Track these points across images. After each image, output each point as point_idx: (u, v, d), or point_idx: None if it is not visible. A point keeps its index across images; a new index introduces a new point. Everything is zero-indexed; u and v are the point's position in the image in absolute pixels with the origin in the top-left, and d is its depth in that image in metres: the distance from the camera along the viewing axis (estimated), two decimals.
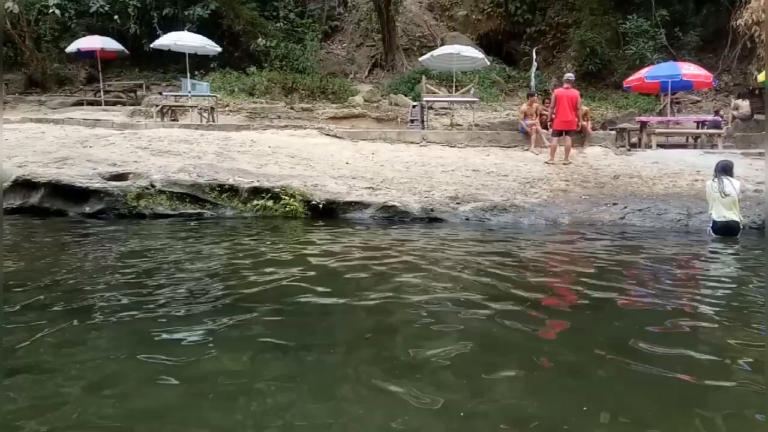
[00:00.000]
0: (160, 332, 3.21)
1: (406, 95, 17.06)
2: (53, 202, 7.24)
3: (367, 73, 20.54)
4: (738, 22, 15.16)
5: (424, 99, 13.51)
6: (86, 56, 17.57)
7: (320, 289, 4.11)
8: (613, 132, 12.09)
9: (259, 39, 18.67)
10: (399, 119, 14.81)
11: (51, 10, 17.09)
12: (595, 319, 3.56)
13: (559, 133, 9.84)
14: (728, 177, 6.73)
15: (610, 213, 7.50)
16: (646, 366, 2.75)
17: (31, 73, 19.00)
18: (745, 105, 13.59)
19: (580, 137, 11.08)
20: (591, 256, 5.41)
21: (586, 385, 2.63)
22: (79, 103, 16.82)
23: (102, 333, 3.23)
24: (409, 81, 18.36)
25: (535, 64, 15.01)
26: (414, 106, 14.22)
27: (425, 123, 13.44)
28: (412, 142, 11.68)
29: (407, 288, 4.17)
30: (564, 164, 9.62)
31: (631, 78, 13.40)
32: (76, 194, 7.31)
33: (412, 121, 13.88)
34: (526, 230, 7.02)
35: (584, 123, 11.31)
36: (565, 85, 10.14)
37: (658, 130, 11.69)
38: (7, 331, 3.19)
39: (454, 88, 14.72)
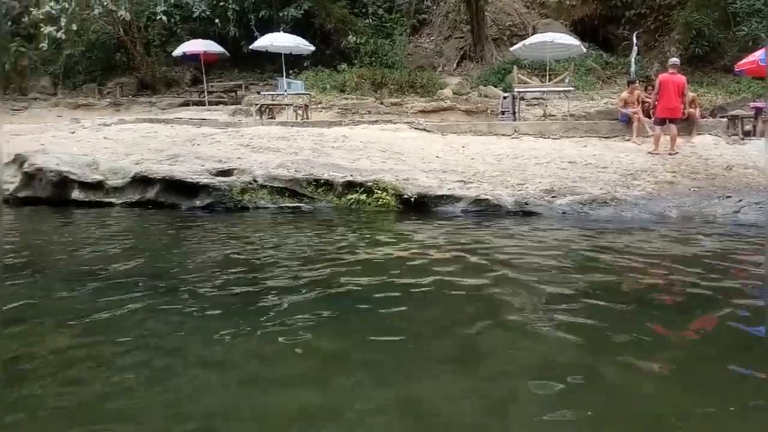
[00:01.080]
0: (267, 316, 3.42)
1: (495, 86, 16.74)
2: (167, 197, 7.83)
3: (455, 65, 20.35)
4: None
5: (516, 90, 13.21)
6: (191, 59, 18.74)
7: (413, 280, 4.20)
8: (725, 119, 11.21)
9: (350, 36, 19.02)
10: (489, 111, 14.58)
11: (159, 17, 18.35)
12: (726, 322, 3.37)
13: (662, 122, 9.30)
14: None
15: (723, 207, 7.00)
16: None
17: (142, 77, 20.55)
18: None
19: (687, 125, 10.38)
20: (710, 253, 5.09)
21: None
22: (186, 104, 17.99)
23: (213, 314, 3.49)
24: (498, 72, 18.00)
25: (635, 49, 14.21)
26: (505, 98, 13.95)
27: (517, 114, 13.14)
28: (503, 135, 11.48)
29: (505, 282, 4.15)
30: (669, 154, 9.07)
31: (743, 61, 12.36)
32: (187, 189, 7.85)
33: (503, 112, 13.62)
34: (629, 224, 6.71)
35: (692, 110, 10.58)
36: (671, 70, 9.55)
37: None
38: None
39: (547, 78, 14.27)
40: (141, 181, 7.98)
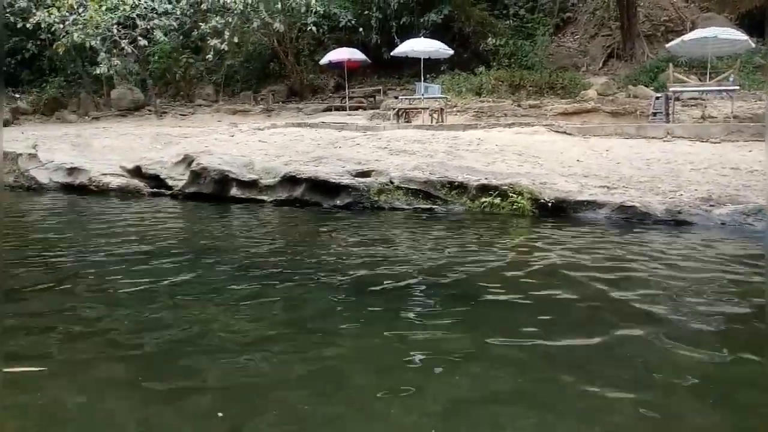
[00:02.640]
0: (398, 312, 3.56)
1: (646, 86, 15.61)
2: (312, 195, 8.37)
3: (601, 64, 19.32)
4: None
5: (671, 89, 12.22)
6: (335, 67, 19.80)
7: (544, 285, 4.11)
8: None
9: (489, 39, 18.87)
10: (638, 113, 13.63)
11: (309, 28, 19.63)
12: None
13: None
14: None
15: None
16: None
17: (291, 84, 22.13)
18: None
19: None
20: None
21: None
22: (328, 109, 19.05)
23: (344, 306, 3.70)
24: (650, 70, 16.78)
25: None
26: (657, 98, 12.94)
27: (670, 116, 12.15)
28: (653, 137, 10.68)
29: (650, 295, 3.89)
30: None
31: None
32: (329, 189, 8.33)
33: (654, 114, 12.66)
34: None
35: None
36: None
37: None
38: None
39: (708, 76, 13.02)
40: (289, 180, 8.62)
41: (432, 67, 18.40)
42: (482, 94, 16.89)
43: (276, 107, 19.82)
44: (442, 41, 16.53)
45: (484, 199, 8.05)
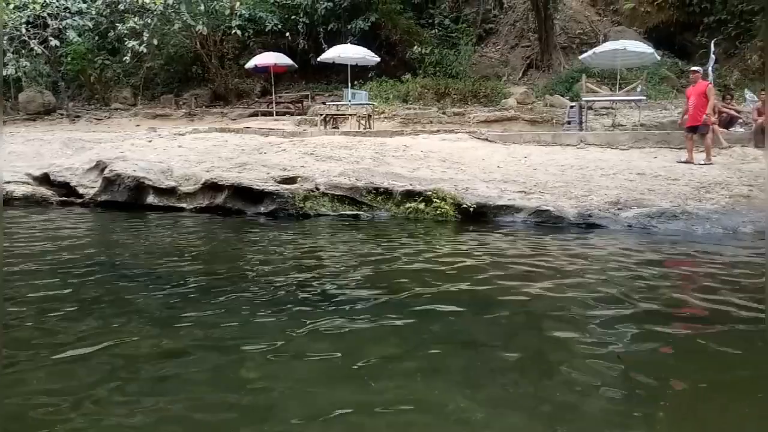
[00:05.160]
0: (319, 320, 3.52)
1: (562, 96, 16.40)
2: (234, 203, 8.17)
3: (521, 74, 20.10)
4: None
5: (584, 99, 12.89)
6: (261, 71, 19.47)
7: (466, 289, 4.18)
8: None
9: (415, 47, 19.20)
10: (554, 121, 14.28)
11: (234, 31, 19.20)
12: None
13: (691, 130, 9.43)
14: None
15: None
16: None
17: (215, 88, 21.53)
18: None
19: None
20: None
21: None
22: (254, 114, 18.69)
23: (267, 314, 3.62)
24: (566, 81, 17.63)
25: (712, 57, 13.52)
26: (571, 107, 13.62)
27: (584, 124, 12.81)
28: (568, 145, 11.21)
29: (562, 294, 4.06)
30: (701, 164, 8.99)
31: None
32: (253, 196, 8.17)
33: (568, 122, 13.30)
34: (699, 239, 6.39)
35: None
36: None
37: None
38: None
39: (617, 86, 13.83)
40: (211, 187, 8.37)
41: (360, 73, 18.49)
42: (409, 102, 17.16)
43: (199, 112, 19.24)
44: (369, 48, 16.65)
45: (409, 205, 8.16)
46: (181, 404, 2.52)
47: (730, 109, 11.80)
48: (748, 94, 13.86)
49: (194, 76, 22.20)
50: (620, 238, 6.46)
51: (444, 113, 15.67)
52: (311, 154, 10.21)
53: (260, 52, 19.57)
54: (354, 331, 3.34)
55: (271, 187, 8.10)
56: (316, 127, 14.40)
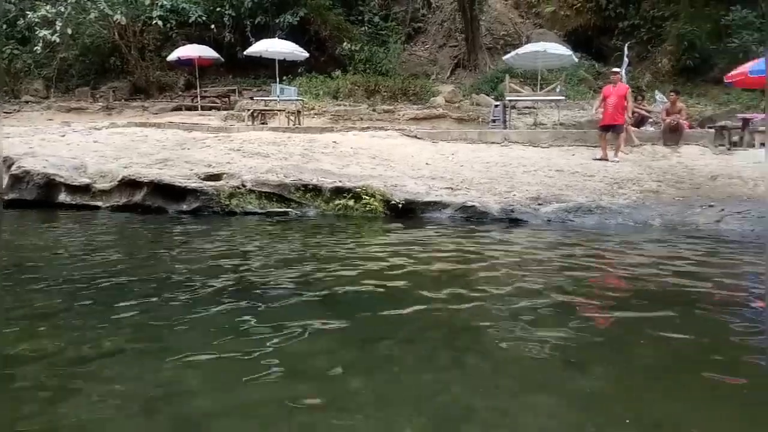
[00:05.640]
0: (245, 320, 3.44)
1: (488, 95, 16.85)
2: (155, 200, 7.84)
3: (449, 73, 20.47)
4: None
5: (507, 98, 13.31)
6: (185, 64, 18.78)
7: (394, 285, 4.21)
8: (712, 130, 11.32)
9: (344, 43, 19.13)
10: (480, 119, 14.67)
11: (155, 21, 18.40)
12: (686, 325, 3.40)
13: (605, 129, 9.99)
14: None
15: (706, 216, 7.05)
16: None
17: (135, 81, 20.55)
18: None
19: (674, 136, 10.50)
20: (682, 261, 5.13)
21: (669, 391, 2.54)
22: (178, 109, 18.01)
23: (192, 317, 3.50)
24: (492, 80, 18.13)
25: (626, 60, 14.33)
26: (496, 106, 14.04)
27: (507, 123, 13.23)
28: (493, 142, 11.55)
29: (483, 288, 4.17)
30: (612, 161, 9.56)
31: (733, 73, 12.47)
32: (176, 193, 7.87)
33: (493, 120, 13.71)
34: (612, 232, 6.76)
35: (681, 120, 10.73)
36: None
37: (762, 128, 10.80)
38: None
39: (539, 87, 14.37)
40: (129, 184, 7.99)
41: (289, 68, 18.22)
42: (339, 98, 17.09)
43: (118, 105, 18.30)
44: (298, 43, 16.42)
45: (338, 202, 8.14)
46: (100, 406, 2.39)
47: (641, 109, 12.54)
48: (658, 95, 14.80)
49: (112, 68, 21.09)
50: (539, 232, 6.72)
51: (374, 110, 15.73)
52: (238, 150, 9.97)
53: (184, 44, 18.88)
54: (277, 329, 3.28)
55: (194, 184, 7.84)
56: (244, 122, 14.06)
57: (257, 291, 4.07)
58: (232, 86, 19.98)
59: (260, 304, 3.77)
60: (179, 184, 7.82)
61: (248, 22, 19.74)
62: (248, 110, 14.54)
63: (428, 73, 20.30)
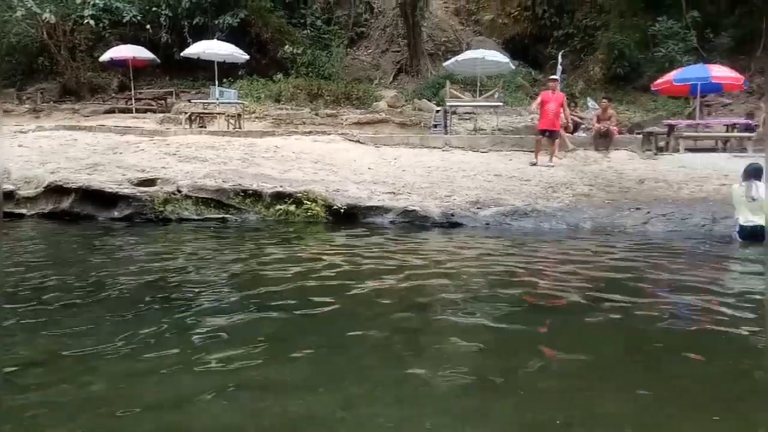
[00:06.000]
0: (178, 328, 3.32)
1: (430, 100, 17.08)
2: (83, 207, 7.49)
3: (392, 78, 20.63)
4: None
5: (448, 104, 13.52)
6: (119, 65, 18.10)
7: (336, 291, 4.17)
8: (640, 136, 11.89)
9: (286, 46, 18.95)
10: (422, 124, 14.84)
11: (86, 21, 17.65)
12: (607, 323, 3.54)
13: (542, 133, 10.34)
14: (757, 181, 6.58)
15: (633, 218, 7.40)
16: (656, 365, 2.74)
17: (65, 82, 19.63)
18: None
19: (605, 141, 10.97)
20: (607, 262, 5.35)
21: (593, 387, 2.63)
22: (111, 111, 17.31)
23: (120, 328, 3.35)
24: (433, 86, 18.39)
25: (560, 68, 14.86)
26: (437, 111, 14.25)
27: (448, 128, 13.43)
28: (434, 147, 11.69)
29: (423, 291, 4.21)
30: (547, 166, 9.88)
31: (659, 81, 13.16)
32: (106, 199, 7.55)
33: (435, 125, 13.90)
34: (546, 235, 6.97)
35: (611, 127, 11.21)
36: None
37: (686, 134, 11.45)
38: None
39: (478, 93, 14.68)
40: (56, 191, 7.61)
41: (229, 71, 17.86)
42: (281, 102, 16.90)
43: (46, 108, 17.40)
44: (239, 45, 16.10)
45: (279, 207, 8.03)
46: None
47: (574, 115, 13.02)
48: (590, 102, 15.43)
49: (41, 69, 20.06)
50: (478, 236, 6.86)
51: (317, 114, 15.65)
52: (174, 154, 9.68)
53: (117, 45, 18.18)
54: (216, 338, 3.20)
55: (126, 189, 7.54)
56: (181, 125, 13.66)
57: (186, 300, 3.94)
58: (169, 88, 19.40)
59: (188, 312, 3.66)
60: (110, 190, 7.51)
61: (186, 23, 19.25)
62: (186, 113, 14.14)
63: (371, 78, 20.39)
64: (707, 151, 11.49)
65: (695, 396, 2.55)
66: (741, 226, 6.54)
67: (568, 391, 2.60)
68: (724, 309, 3.80)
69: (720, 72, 12.09)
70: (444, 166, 9.95)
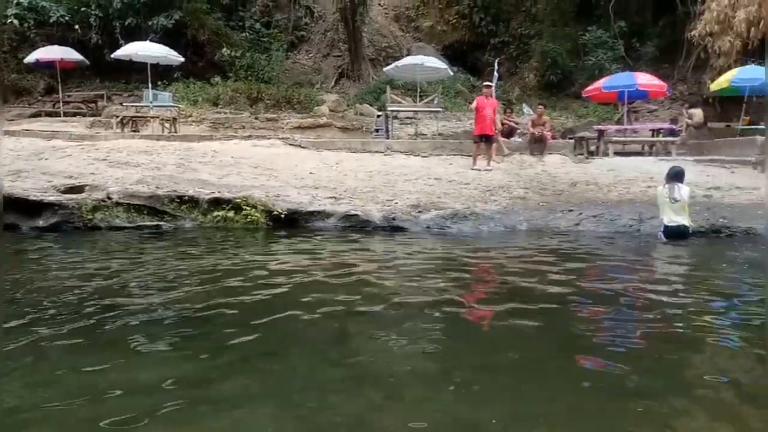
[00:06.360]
0: (116, 341, 3.17)
1: (371, 105, 17.16)
2: (5, 216, 7.04)
3: (333, 83, 20.60)
4: (692, 34, 15.70)
5: (389, 109, 13.62)
6: (45, 67, 17.20)
7: (276, 299, 4.10)
8: (573, 140, 12.37)
9: (224, 49, 18.57)
10: (364, 129, 14.89)
11: (9, 20, 16.70)
12: (545, 322, 3.64)
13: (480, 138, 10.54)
14: (678, 183, 6.96)
15: (566, 219, 7.67)
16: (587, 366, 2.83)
17: None
18: (698, 113, 14.06)
19: (539, 146, 11.34)
20: (538, 263, 5.51)
21: (532, 387, 2.69)
22: (37, 115, 16.43)
23: (56, 344, 3.17)
24: (375, 91, 18.48)
25: (496, 75, 15.27)
26: (379, 116, 14.33)
27: (390, 132, 13.54)
28: (376, 152, 11.75)
29: (362, 296, 4.19)
30: (485, 170, 10.11)
31: (589, 88, 13.75)
32: (31, 207, 7.13)
33: (377, 130, 13.97)
34: (484, 237, 7.12)
35: (545, 132, 11.60)
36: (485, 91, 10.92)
37: (615, 139, 12.01)
38: None
39: (418, 98, 14.87)
40: None
41: (164, 73, 17.31)
42: (219, 105, 16.53)
43: None
44: (174, 47, 15.61)
45: (217, 213, 7.83)
46: None
47: (510, 121, 13.41)
48: (526, 108, 15.95)
49: None
50: (418, 239, 6.91)
51: (257, 118, 15.40)
52: (104, 159, 9.28)
53: (44, 45, 17.28)
54: (148, 353, 3.06)
55: (51, 197, 7.15)
56: (112, 129, 13.12)
57: (113, 314, 3.76)
58: (99, 91, 18.60)
59: (114, 326, 3.49)
60: (34, 198, 7.10)
61: (117, 24, 18.52)
62: (117, 117, 13.59)
63: (312, 82, 20.28)
64: (635, 154, 12.10)
65: (623, 391, 2.65)
66: (665, 226, 6.90)
67: (501, 390, 2.65)
68: (652, 305, 3.98)
69: (645, 80, 12.75)
70: (386, 170, 10.00)
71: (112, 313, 3.72)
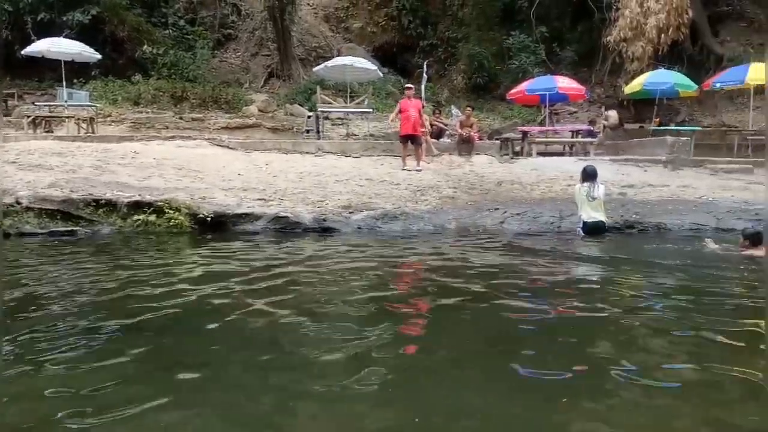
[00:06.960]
0: (31, 353, 2.95)
1: (302, 105, 16.98)
2: None
3: (262, 82, 20.24)
4: (608, 39, 16.59)
5: (320, 109, 13.53)
6: None
7: (201, 305, 3.96)
8: (498, 141, 12.75)
9: (145, 46, 17.83)
10: (295, 129, 14.72)
11: None
12: (468, 319, 3.71)
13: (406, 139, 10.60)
14: (595, 181, 7.32)
15: (492, 218, 7.89)
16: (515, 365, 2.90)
17: None
18: (614, 115, 14.87)
19: (467, 147, 11.61)
20: (465, 260, 5.63)
21: (451, 387, 2.73)
22: None
23: None
24: (305, 91, 18.30)
25: (425, 76, 15.52)
26: (309, 117, 14.21)
27: (321, 133, 13.45)
28: (307, 153, 11.64)
29: (290, 298, 4.13)
30: (416, 170, 10.24)
31: (513, 90, 14.23)
32: None
33: (307, 131, 13.84)
34: (413, 237, 7.19)
35: (472, 133, 11.89)
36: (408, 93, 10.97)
37: (538, 139, 12.48)
38: None
39: (348, 99, 14.86)
40: None
41: (80, 71, 16.40)
42: (141, 104, 15.86)
43: None
44: (92, 44, 14.79)
45: (137, 217, 7.50)
46: None
47: (439, 122, 13.66)
48: (454, 110, 16.27)
49: None
50: (348, 240, 6.90)
51: (181, 118, 14.89)
52: (13, 162, 8.68)
53: None
54: (75, 369, 2.87)
55: None
56: (23, 130, 12.29)
57: (28, 328, 3.52)
58: (10, 90, 17.38)
59: (30, 342, 3.26)
60: None
61: (29, 19, 17.39)
62: (28, 117, 12.75)
63: (241, 82, 19.84)
64: (556, 155, 12.62)
65: (552, 384, 2.73)
66: (584, 222, 7.24)
67: (431, 387, 2.67)
68: (571, 299, 4.15)
69: (565, 83, 13.35)
70: (316, 171, 9.92)
71: (22, 330, 3.47)
